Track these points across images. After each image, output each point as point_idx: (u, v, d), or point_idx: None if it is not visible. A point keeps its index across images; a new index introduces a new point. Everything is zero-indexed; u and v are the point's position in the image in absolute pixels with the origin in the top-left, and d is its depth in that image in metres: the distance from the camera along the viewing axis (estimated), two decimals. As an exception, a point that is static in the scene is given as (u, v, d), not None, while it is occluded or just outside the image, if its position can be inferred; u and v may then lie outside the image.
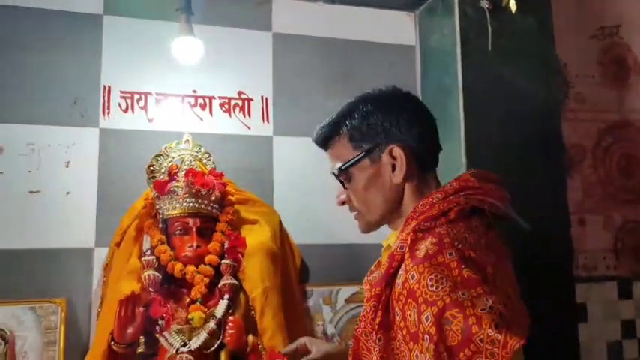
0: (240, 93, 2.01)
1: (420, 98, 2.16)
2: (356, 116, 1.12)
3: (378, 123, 1.10)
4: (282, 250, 1.83)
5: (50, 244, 1.79)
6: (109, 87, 1.89)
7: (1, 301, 1.70)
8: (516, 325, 0.87)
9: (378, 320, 0.97)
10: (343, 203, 1.17)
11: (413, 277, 0.93)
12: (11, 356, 1.64)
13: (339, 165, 1.11)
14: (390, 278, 0.98)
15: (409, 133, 1.10)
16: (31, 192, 1.79)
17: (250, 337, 1.62)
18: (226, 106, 1.99)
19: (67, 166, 1.83)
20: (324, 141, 1.15)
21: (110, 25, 1.92)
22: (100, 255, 1.80)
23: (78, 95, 1.87)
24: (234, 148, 1.97)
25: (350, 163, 1.10)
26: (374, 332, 0.97)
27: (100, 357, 1.54)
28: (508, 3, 1.95)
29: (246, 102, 2.01)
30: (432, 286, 0.91)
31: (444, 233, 0.96)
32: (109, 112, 1.88)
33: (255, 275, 1.68)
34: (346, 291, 1.98)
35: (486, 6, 1.94)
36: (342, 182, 1.12)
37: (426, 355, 0.88)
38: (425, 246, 0.95)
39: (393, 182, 1.08)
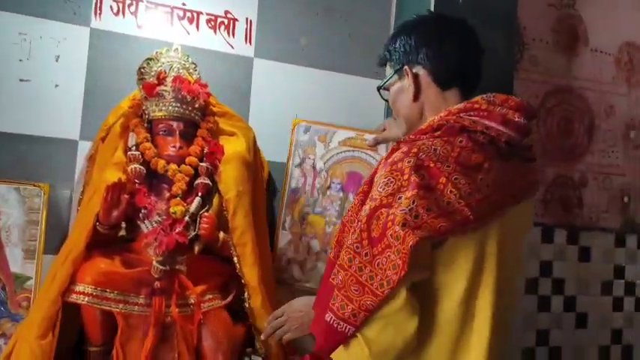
0: (226, 12, 2.07)
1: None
2: (391, 41, 1.21)
3: (401, 46, 1.18)
4: (254, 162, 1.93)
5: (37, 132, 1.82)
6: (102, -12, 1.92)
7: (-14, 179, 1.75)
8: (428, 228, 0.95)
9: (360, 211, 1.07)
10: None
11: (377, 178, 1.04)
12: (-5, 229, 1.72)
13: (379, 83, 1.24)
14: (373, 178, 1.09)
15: (423, 54, 1.15)
16: (22, 80, 1.82)
17: (221, 234, 1.73)
18: (212, 22, 2.05)
19: (57, 61, 1.86)
20: (381, 63, 1.26)
21: None
22: (84, 148, 1.86)
23: (71, -8, 1.88)
24: (217, 64, 2.03)
25: (384, 82, 1.23)
26: (356, 220, 1.07)
27: (84, 236, 1.60)
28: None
29: (231, 21, 2.08)
30: (381, 186, 1.01)
31: (418, 145, 1.04)
32: (100, 13, 1.91)
33: (231, 179, 1.78)
34: (341, 134, 2.07)
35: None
36: (382, 98, 1.25)
37: (353, 237, 1.00)
38: (396, 154, 1.04)
39: (409, 98, 1.17)
